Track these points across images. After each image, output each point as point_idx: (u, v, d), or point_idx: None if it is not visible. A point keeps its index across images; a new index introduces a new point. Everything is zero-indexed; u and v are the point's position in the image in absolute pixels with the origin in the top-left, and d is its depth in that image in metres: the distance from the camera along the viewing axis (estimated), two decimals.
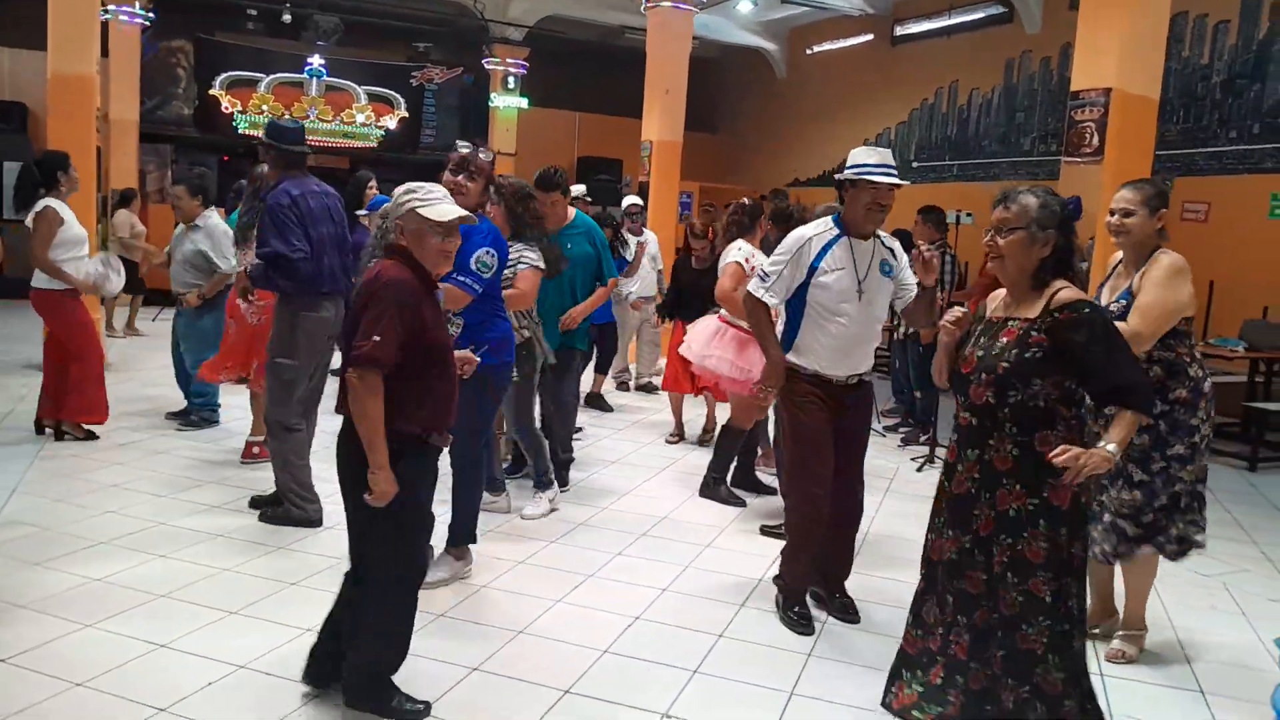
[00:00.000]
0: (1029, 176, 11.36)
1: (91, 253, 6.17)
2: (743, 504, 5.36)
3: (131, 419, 6.49)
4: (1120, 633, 3.69)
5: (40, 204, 5.69)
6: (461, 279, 3.72)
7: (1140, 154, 5.49)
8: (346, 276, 4.61)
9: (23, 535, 4.26)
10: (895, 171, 3.65)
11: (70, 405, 5.88)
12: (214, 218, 6.29)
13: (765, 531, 4.88)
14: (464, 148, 4.00)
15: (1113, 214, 3.48)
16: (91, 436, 5.94)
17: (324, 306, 4.56)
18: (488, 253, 3.83)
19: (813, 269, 3.66)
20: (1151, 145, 5.66)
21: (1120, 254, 3.61)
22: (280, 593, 3.81)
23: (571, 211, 5.49)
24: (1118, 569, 3.71)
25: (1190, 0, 9.26)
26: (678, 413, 6.88)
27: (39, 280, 5.76)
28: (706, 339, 5.40)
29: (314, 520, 4.58)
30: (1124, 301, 3.40)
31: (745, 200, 5.62)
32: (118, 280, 6.04)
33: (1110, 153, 5.36)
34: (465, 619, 3.68)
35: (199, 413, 6.47)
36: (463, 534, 4.08)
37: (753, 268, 5.11)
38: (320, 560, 4.17)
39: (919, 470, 6.34)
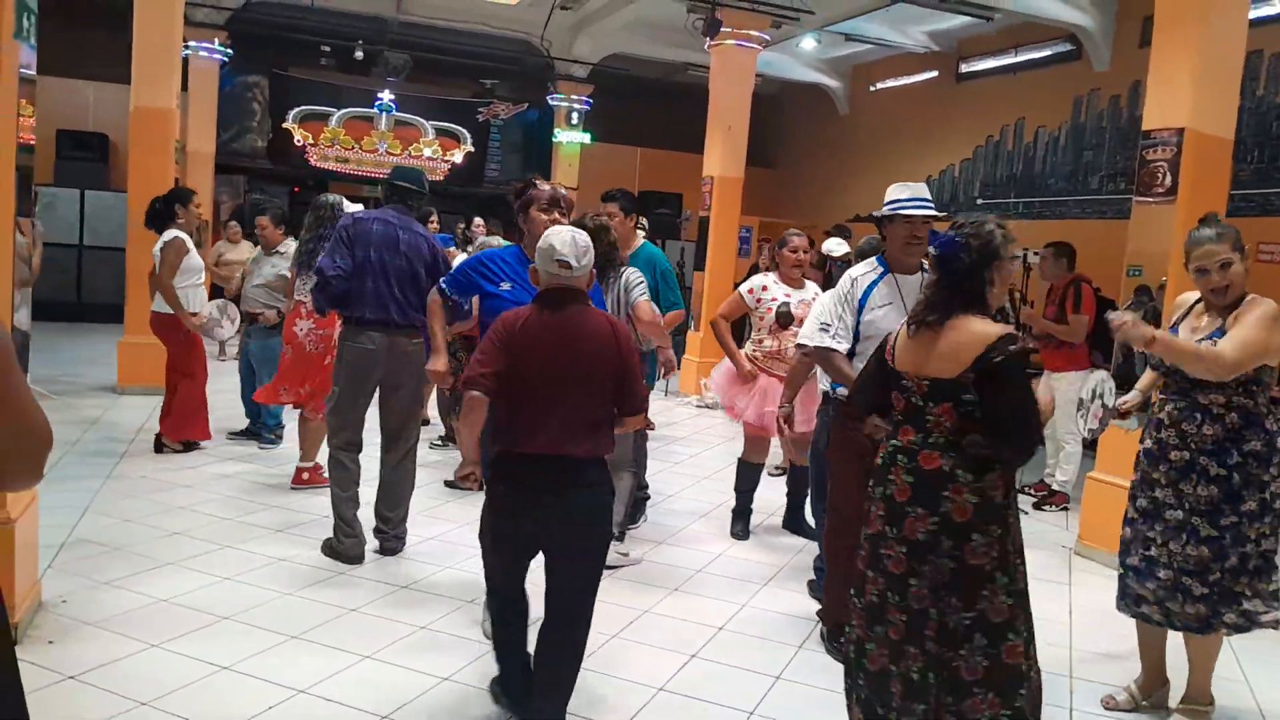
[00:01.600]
0: (1097, 216, 11.17)
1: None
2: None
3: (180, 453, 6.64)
4: (1181, 705, 3.49)
5: (169, 234, 6.27)
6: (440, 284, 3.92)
7: (1215, 195, 5.36)
8: (411, 310, 4.52)
9: (92, 554, 4.37)
10: (930, 203, 3.72)
11: (173, 421, 6.30)
12: (293, 245, 6.55)
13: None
14: (546, 188, 3.85)
15: (1205, 271, 3.31)
16: (192, 447, 6.39)
17: (367, 338, 4.48)
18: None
19: (861, 306, 3.72)
20: (1226, 186, 5.52)
21: (1191, 294, 3.52)
22: (340, 619, 3.85)
23: (638, 239, 5.50)
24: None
25: (1265, 39, 9.07)
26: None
27: (159, 304, 6.30)
28: (727, 383, 5.44)
29: (349, 556, 4.50)
30: (1217, 339, 3.29)
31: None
32: (229, 329, 6.75)
33: (1183, 193, 5.24)
34: None
35: (274, 431, 6.77)
36: None
37: (758, 300, 5.30)
38: (379, 588, 4.22)
39: None
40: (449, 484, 5.86)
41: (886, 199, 3.77)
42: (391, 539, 4.67)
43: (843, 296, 3.77)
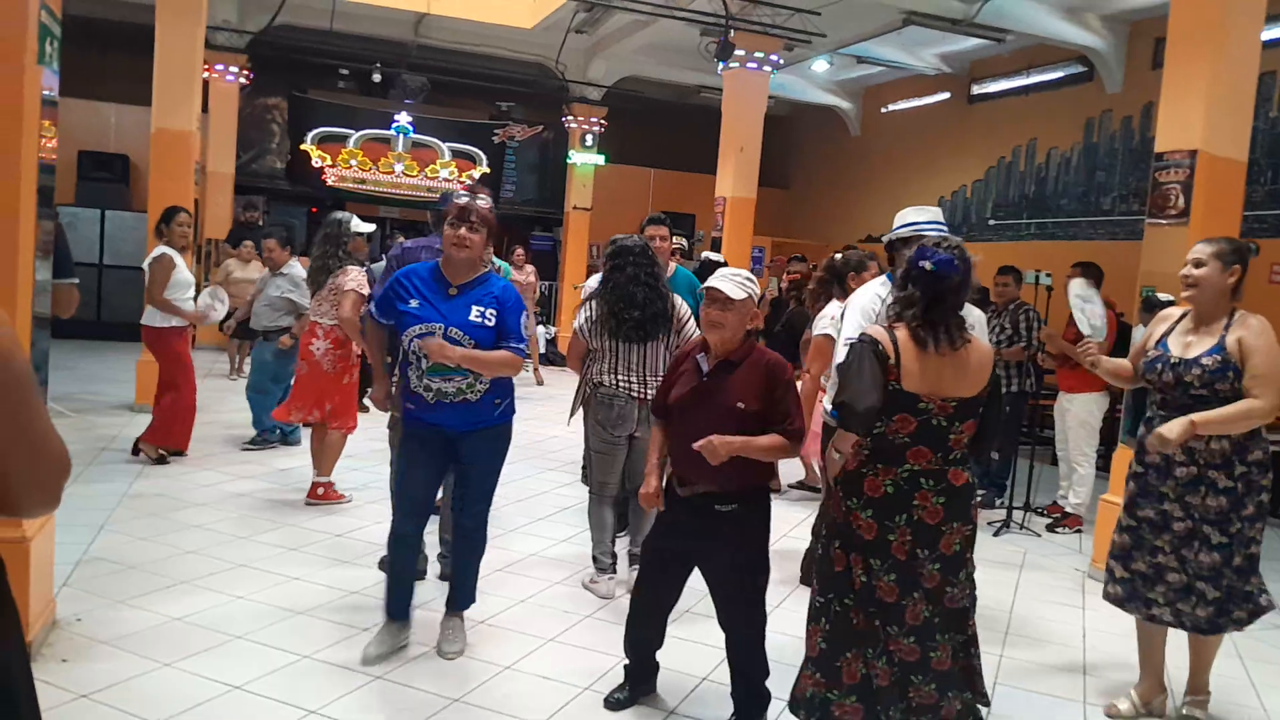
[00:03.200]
0: (1109, 237, 11.15)
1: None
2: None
3: (214, 459, 6.69)
4: (1187, 699, 3.65)
5: (156, 251, 6.58)
6: (517, 345, 3.64)
7: (1228, 217, 5.35)
8: None
9: (107, 572, 4.40)
10: (946, 227, 3.72)
11: (154, 428, 6.54)
12: (297, 266, 7.09)
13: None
14: (460, 197, 3.72)
15: (1185, 265, 3.52)
16: (163, 461, 6.49)
17: None
18: (527, 315, 3.77)
19: None
20: (1239, 208, 5.51)
21: (1175, 309, 3.67)
22: (351, 639, 3.86)
23: (672, 265, 5.50)
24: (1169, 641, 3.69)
25: (1277, 60, 9.07)
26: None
27: (150, 318, 6.57)
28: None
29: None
30: (1217, 356, 3.35)
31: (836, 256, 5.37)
32: (221, 309, 6.99)
33: (1196, 215, 5.24)
34: (532, 671, 3.69)
35: (274, 434, 7.16)
36: (468, 596, 3.91)
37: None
38: None
39: (995, 535, 6.18)
40: None
41: (901, 221, 3.77)
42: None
43: (869, 313, 3.73)
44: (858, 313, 3.81)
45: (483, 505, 3.82)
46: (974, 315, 3.85)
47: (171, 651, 3.59)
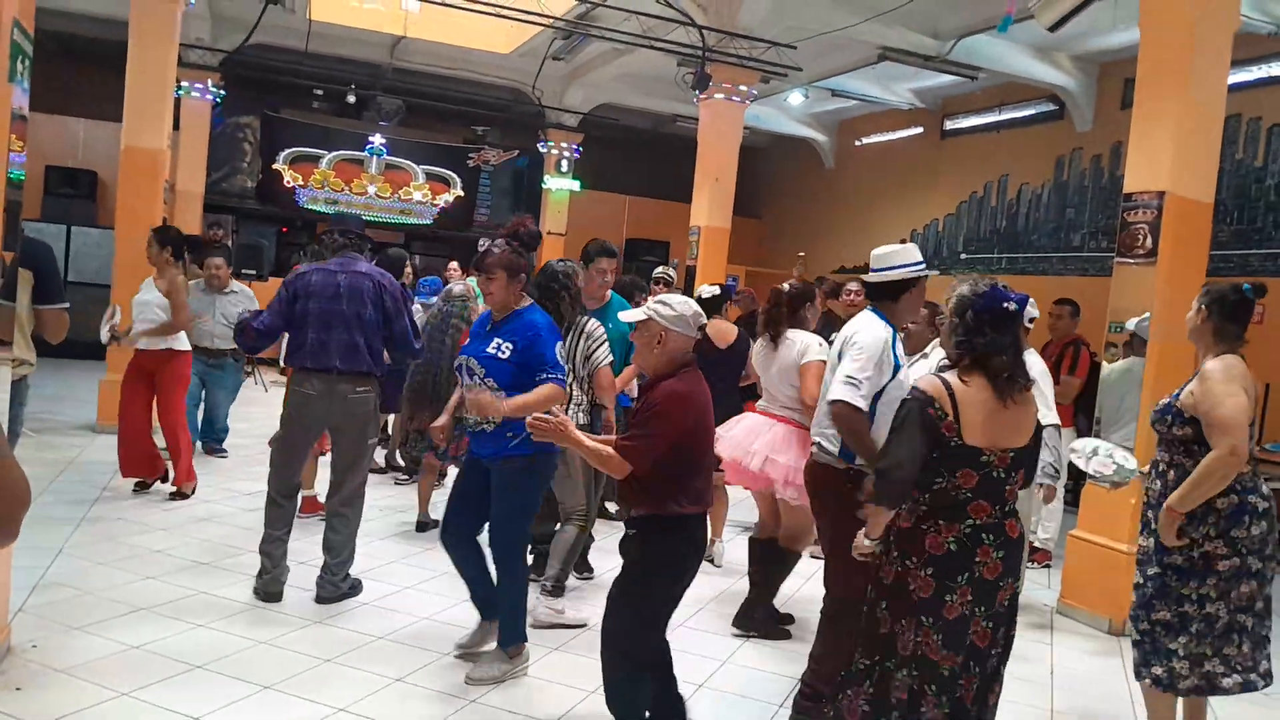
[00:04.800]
0: (1079, 273, 11.29)
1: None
2: (788, 635, 4.73)
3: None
4: None
5: (169, 275, 6.26)
6: (556, 376, 3.77)
7: (1195, 257, 5.43)
8: (360, 352, 4.51)
9: (63, 599, 4.29)
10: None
11: (184, 466, 6.26)
12: (243, 285, 7.66)
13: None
14: (482, 244, 3.96)
15: None
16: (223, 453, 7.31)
17: (308, 384, 4.51)
18: (561, 346, 3.89)
19: (895, 368, 3.48)
20: (1206, 248, 5.59)
21: None
22: (316, 669, 3.79)
23: (608, 293, 5.50)
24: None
25: (1244, 103, 9.26)
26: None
27: (178, 343, 6.32)
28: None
29: (262, 593, 4.50)
30: (1176, 400, 3.43)
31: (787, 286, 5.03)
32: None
33: (1164, 255, 5.30)
34: (502, 707, 3.63)
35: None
36: (510, 632, 3.91)
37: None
38: (357, 637, 4.16)
39: None
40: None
41: (901, 261, 3.56)
42: (326, 585, 4.57)
43: (879, 357, 3.43)
44: (869, 359, 3.42)
45: (498, 535, 3.89)
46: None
47: (129, 680, 3.50)
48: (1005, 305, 2.73)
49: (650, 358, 3.12)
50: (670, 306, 3.09)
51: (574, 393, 4.63)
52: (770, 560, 4.74)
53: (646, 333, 3.10)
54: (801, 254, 10.06)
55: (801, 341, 4.67)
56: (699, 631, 4.64)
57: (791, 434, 4.60)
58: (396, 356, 5.15)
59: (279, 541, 4.57)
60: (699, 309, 3.13)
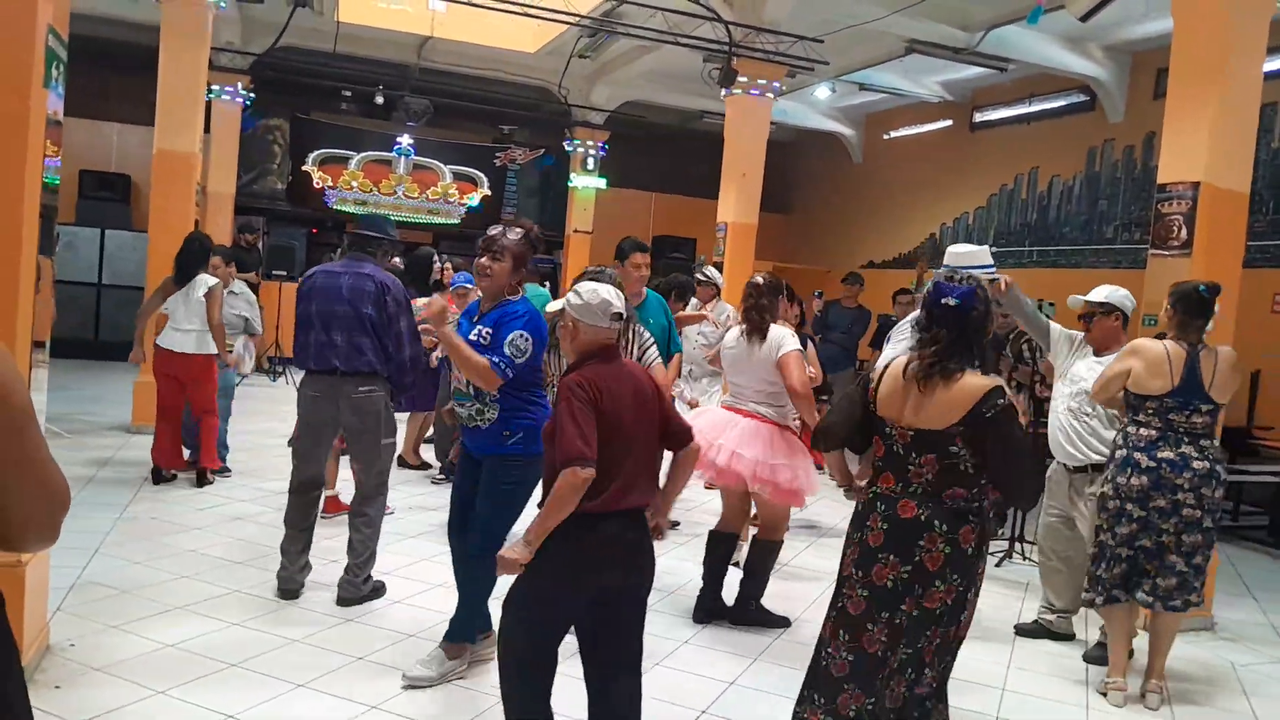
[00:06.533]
0: (1112, 265, 11.15)
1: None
2: (786, 622, 4.76)
3: (213, 484, 6.64)
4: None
5: (211, 281, 6.59)
6: (495, 359, 3.61)
7: (1230, 248, 5.36)
8: (364, 353, 4.51)
9: (100, 597, 4.36)
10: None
11: (207, 452, 6.64)
12: (243, 284, 7.51)
13: None
14: (493, 229, 3.80)
15: None
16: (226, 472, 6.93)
17: (312, 384, 4.59)
18: (522, 336, 3.65)
19: None
20: (1242, 239, 5.51)
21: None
22: (348, 666, 3.82)
23: (643, 288, 5.52)
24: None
25: (1279, 92, 9.12)
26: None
27: (202, 345, 6.52)
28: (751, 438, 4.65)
29: (280, 590, 4.56)
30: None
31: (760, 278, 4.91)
32: (250, 364, 7.31)
33: (1199, 246, 5.23)
34: None
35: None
36: (462, 628, 3.90)
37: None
38: (389, 635, 4.19)
39: (998, 565, 6.13)
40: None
41: (980, 262, 3.82)
42: (346, 586, 4.57)
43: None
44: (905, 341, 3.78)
45: (480, 535, 3.75)
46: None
47: (165, 679, 3.54)
48: (945, 301, 2.96)
49: (566, 347, 3.04)
50: (578, 295, 2.95)
51: None
52: (719, 557, 4.79)
53: (563, 322, 3.02)
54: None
55: (776, 333, 4.69)
56: (703, 648, 4.63)
57: (760, 428, 4.62)
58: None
59: (296, 539, 4.61)
60: (608, 298, 2.91)
